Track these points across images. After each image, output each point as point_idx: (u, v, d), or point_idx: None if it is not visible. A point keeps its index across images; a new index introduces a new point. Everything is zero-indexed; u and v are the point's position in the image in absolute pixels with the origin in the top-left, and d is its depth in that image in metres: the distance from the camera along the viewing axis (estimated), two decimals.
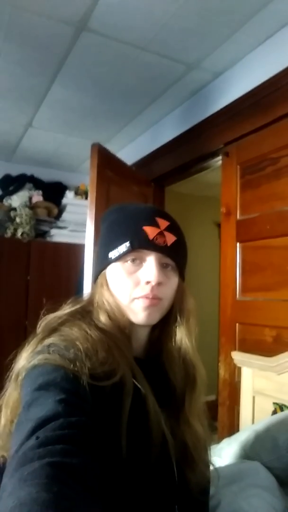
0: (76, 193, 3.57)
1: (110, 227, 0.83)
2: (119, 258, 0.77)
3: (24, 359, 0.70)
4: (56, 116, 2.72)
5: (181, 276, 0.83)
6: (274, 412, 1.63)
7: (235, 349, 1.97)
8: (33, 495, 0.47)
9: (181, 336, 0.82)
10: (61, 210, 3.49)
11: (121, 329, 0.77)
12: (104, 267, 0.81)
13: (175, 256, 0.79)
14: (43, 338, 0.72)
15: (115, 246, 0.78)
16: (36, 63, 2.11)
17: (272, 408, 1.66)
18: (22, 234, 3.19)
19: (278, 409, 1.62)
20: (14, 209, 3.27)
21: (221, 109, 2.15)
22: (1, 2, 1.67)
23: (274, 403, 1.66)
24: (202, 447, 0.77)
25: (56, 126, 2.89)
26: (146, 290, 0.76)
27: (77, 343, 0.68)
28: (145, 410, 0.70)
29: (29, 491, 0.47)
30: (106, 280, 0.81)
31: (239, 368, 1.90)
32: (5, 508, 0.47)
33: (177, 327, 0.82)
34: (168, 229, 0.78)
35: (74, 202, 3.46)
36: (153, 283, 0.75)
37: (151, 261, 0.77)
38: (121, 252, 0.77)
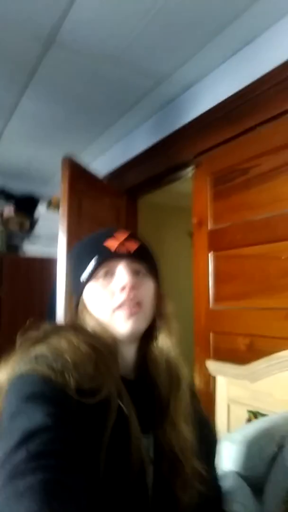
0: (49, 206, 3.54)
1: (76, 255, 0.86)
2: (90, 277, 0.80)
3: (8, 369, 0.69)
4: (27, 129, 2.71)
5: (156, 281, 0.85)
6: (249, 420, 1.64)
7: (209, 358, 1.98)
8: (35, 511, 0.47)
9: (162, 337, 0.83)
10: (33, 223, 3.45)
11: (107, 346, 0.77)
12: (81, 293, 0.83)
13: (142, 260, 0.82)
14: (28, 349, 0.71)
15: (84, 267, 0.81)
16: (4, 77, 2.10)
17: (246, 416, 1.66)
18: None
19: (252, 417, 1.62)
20: None
21: (191, 121, 2.18)
22: None
23: (248, 411, 1.67)
24: (190, 451, 0.76)
25: (27, 138, 2.87)
26: (123, 296, 0.77)
27: (66, 355, 0.68)
28: (127, 433, 0.69)
29: (29, 506, 0.47)
30: (85, 304, 0.83)
31: (214, 377, 1.91)
32: None
33: (159, 331, 0.83)
34: (127, 239, 0.82)
35: (46, 215, 3.43)
36: (127, 287, 0.77)
37: (120, 268, 0.79)
38: (90, 270, 0.80)
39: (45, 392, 0.63)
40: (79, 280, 0.82)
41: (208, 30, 1.77)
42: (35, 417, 0.59)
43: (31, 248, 3.33)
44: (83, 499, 0.54)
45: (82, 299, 0.83)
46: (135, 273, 0.81)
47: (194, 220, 2.16)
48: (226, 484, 1.09)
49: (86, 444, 0.62)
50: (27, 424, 0.58)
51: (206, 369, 1.94)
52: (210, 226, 2.07)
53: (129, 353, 0.83)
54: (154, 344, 0.83)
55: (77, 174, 2.23)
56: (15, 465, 0.53)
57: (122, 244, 0.81)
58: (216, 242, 2.02)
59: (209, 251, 2.05)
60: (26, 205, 3.54)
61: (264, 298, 1.75)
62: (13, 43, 1.83)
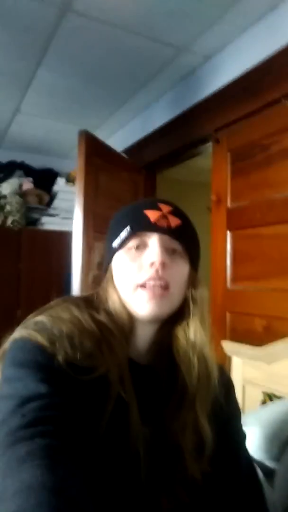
0: (67, 180, 3.51)
1: (113, 221, 0.80)
2: (122, 245, 0.74)
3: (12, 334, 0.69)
4: (44, 101, 2.66)
5: (193, 266, 0.77)
6: (263, 402, 1.62)
7: (225, 339, 1.96)
8: (39, 478, 0.46)
9: (195, 329, 0.75)
10: (52, 197, 3.44)
11: (120, 327, 0.72)
12: (110, 259, 0.77)
13: (181, 238, 0.74)
14: (33, 316, 0.70)
15: (117, 235, 0.75)
16: (20, 47, 2.04)
17: (261, 398, 1.65)
18: (12, 222, 3.15)
19: (267, 399, 1.61)
20: (4, 196, 3.21)
21: (212, 94, 2.10)
22: None
23: (263, 393, 1.65)
24: (203, 452, 0.72)
25: (44, 111, 2.82)
26: (150, 272, 0.70)
27: (63, 325, 0.66)
28: (127, 420, 0.66)
29: (34, 473, 0.47)
30: (112, 274, 0.76)
31: (229, 358, 1.89)
32: (6, 490, 0.46)
33: (190, 319, 0.75)
34: (171, 212, 0.74)
35: (65, 189, 3.41)
36: (157, 264, 0.69)
37: (153, 242, 0.72)
38: (123, 237, 0.73)
39: (37, 358, 0.62)
40: (111, 246, 0.76)
41: None
42: (28, 383, 0.59)
43: (50, 222, 3.33)
44: (84, 464, 0.53)
45: (110, 268, 0.77)
46: (170, 251, 0.73)
47: (213, 198, 2.10)
48: None
49: (83, 419, 0.61)
50: (20, 391, 0.58)
51: (221, 349, 1.93)
52: (229, 204, 2.01)
53: (146, 334, 0.76)
54: (182, 332, 0.76)
55: (94, 148, 2.19)
56: (12, 432, 0.52)
57: (163, 216, 0.73)
58: (235, 221, 1.97)
59: (228, 229, 2.00)
60: (45, 179, 3.51)
61: (282, 280, 1.71)
62: (28, 10, 1.76)
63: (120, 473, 0.65)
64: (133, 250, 0.73)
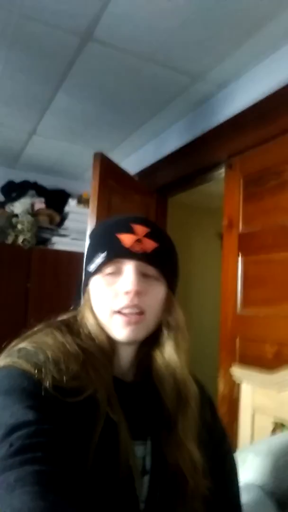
0: (79, 202, 3.55)
1: (90, 242, 0.80)
2: (98, 271, 0.74)
3: None
4: (60, 124, 2.72)
5: (170, 286, 0.77)
6: (273, 431, 1.59)
7: (235, 364, 1.93)
8: (28, 503, 0.46)
9: (169, 352, 0.77)
10: (63, 218, 3.47)
11: (101, 348, 0.73)
12: (87, 283, 0.77)
13: (157, 263, 0.73)
14: (16, 344, 0.70)
15: (92, 259, 0.75)
16: (41, 71, 2.11)
17: (271, 427, 1.62)
18: (23, 241, 3.17)
19: (277, 429, 1.58)
20: (16, 215, 3.25)
21: (226, 121, 2.14)
22: (8, 10, 1.66)
23: (273, 422, 1.62)
24: (199, 474, 0.72)
25: (60, 134, 2.89)
26: (125, 300, 0.71)
27: (48, 350, 0.66)
28: (116, 439, 0.66)
29: (23, 499, 0.47)
30: (89, 297, 0.77)
31: (239, 384, 1.86)
32: None
33: (165, 342, 0.77)
34: (147, 235, 0.73)
35: (77, 210, 3.44)
36: (131, 293, 0.70)
37: (129, 269, 0.72)
38: (98, 264, 0.73)
39: (24, 385, 0.62)
40: (88, 270, 0.76)
41: (245, 28, 1.72)
42: (15, 411, 0.58)
43: (60, 242, 3.35)
44: (74, 489, 0.53)
45: (88, 291, 0.77)
46: (144, 276, 0.73)
47: (225, 222, 2.11)
48: (247, 498, 1.06)
49: (72, 443, 0.61)
50: (7, 420, 0.57)
51: (231, 375, 1.90)
52: (240, 228, 2.02)
53: (127, 354, 0.78)
54: (158, 352, 0.78)
55: (108, 170, 2.23)
56: (0, 460, 0.52)
57: (138, 241, 0.72)
58: (247, 245, 1.97)
59: (239, 254, 2.01)
60: (56, 200, 3.55)
61: None
62: (51, 37, 1.83)
63: (114, 493, 0.64)
64: (108, 275, 0.73)
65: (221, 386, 1.97)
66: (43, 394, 0.61)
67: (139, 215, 0.82)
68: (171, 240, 0.79)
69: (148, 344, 0.78)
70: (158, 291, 0.75)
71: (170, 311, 0.78)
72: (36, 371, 0.63)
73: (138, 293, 0.71)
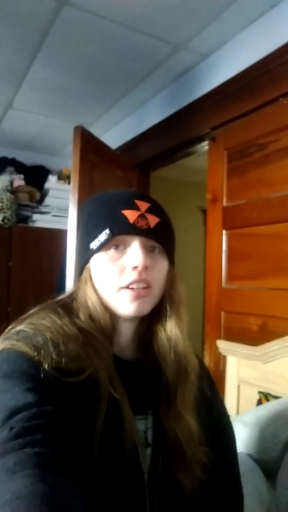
0: (59, 178, 3.48)
1: (88, 217, 0.77)
2: (101, 247, 0.72)
3: None
4: (38, 96, 2.62)
5: (170, 261, 0.78)
6: (259, 401, 1.62)
7: (220, 338, 1.95)
8: (28, 487, 0.46)
9: (171, 326, 0.77)
10: (43, 195, 3.40)
11: (102, 329, 0.72)
12: (87, 260, 0.76)
13: (160, 238, 0.74)
14: (14, 327, 0.70)
15: (95, 236, 0.73)
16: (15, 40, 2.00)
17: (257, 397, 1.65)
18: (3, 220, 3.10)
19: (263, 398, 1.61)
20: None
21: (208, 92, 2.09)
22: None
23: (259, 392, 1.65)
24: (195, 442, 0.74)
25: (37, 107, 2.79)
26: (133, 275, 0.71)
27: (46, 332, 0.66)
28: (120, 417, 0.66)
29: (23, 483, 0.46)
30: (90, 274, 0.76)
31: (224, 357, 1.89)
32: None
33: (167, 316, 0.78)
34: (149, 211, 0.73)
35: (57, 187, 3.37)
36: (140, 268, 0.70)
37: (135, 245, 0.72)
38: (102, 240, 0.72)
39: (23, 368, 0.61)
40: (88, 246, 0.74)
41: None
42: (15, 394, 0.58)
43: (41, 219, 3.29)
44: (75, 471, 0.53)
45: (88, 269, 0.76)
46: (150, 251, 0.74)
47: (208, 197, 2.09)
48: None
49: (75, 424, 0.61)
50: (8, 403, 0.57)
51: (216, 348, 1.92)
52: (224, 202, 2.00)
53: (128, 330, 0.78)
54: (161, 326, 0.78)
55: (89, 145, 2.16)
56: (0, 444, 0.52)
57: (142, 216, 0.72)
58: (231, 220, 1.96)
59: (223, 228, 2.00)
60: (36, 176, 3.47)
61: (278, 278, 1.71)
62: (23, 2, 1.73)
63: (119, 469, 0.65)
64: (112, 251, 0.73)
65: (207, 360, 2.00)
66: (43, 376, 0.61)
67: (137, 190, 0.82)
68: (169, 214, 0.79)
69: (148, 318, 0.78)
70: (162, 265, 0.76)
71: (172, 284, 0.78)
72: (35, 353, 0.63)
73: (146, 268, 0.71)
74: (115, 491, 0.64)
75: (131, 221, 0.71)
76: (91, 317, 0.73)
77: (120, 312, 0.73)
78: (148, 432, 0.73)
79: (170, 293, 0.78)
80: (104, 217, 0.73)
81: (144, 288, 0.72)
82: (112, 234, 0.71)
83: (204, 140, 2.18)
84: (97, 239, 0.72)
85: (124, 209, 0.72)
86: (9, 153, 3.48)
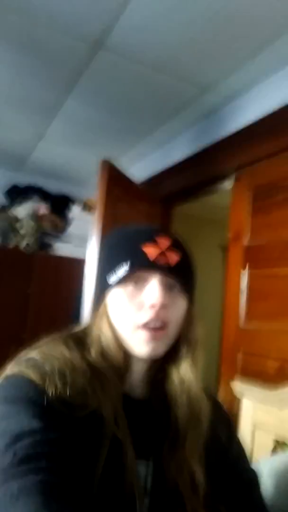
0: (83, 208, 3.54)
1: (108, 251, 0.77)
2: (120, 282, 0.71)
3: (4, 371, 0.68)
4: (68, 130, 2.71)
5: (190, 300, 0.76)
6: (274, 450, 1.55)
7: (236, 379, 1.90)
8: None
9: (186, 368, 0.75)
10: (66, 224, 3.46)
11: (114, 366, 0.71)
12: (104, 295, 0.75)
13: (180, 276, 0.73)
14: (25, 354, 0.70)
15: (114, 270, 0.72)
16: (51, 77, 2.10)
17: (272, 445, 1.58)
18: (25, 246, 3.16)
19: (278, 447, 1.54)
20: (19, 220, 3.24)
21: (234, 133, 2.13)
22: (19, 15, 1.66)
23: (274, 440, 1.58)
24: (198, 496, 0.70)
25: (67, 139, 2.88)
26: (150, 314, 0.69)
27: (54, 363, 0.66)
28: (121, 459, 0.65)
29: (26, 510, 0.46)
30: (107, 310, 0.74)
31: (239, 399, 1.83)
32: None
33: (182, 358, 0.76)
34: (170, 248, 0.72)
35: (80, 217, 3.43)
36: (157, 307, 0.69)
37: (154, 282, 0.71)
38: (121, 275, 0.71)
39: (30, 395, 0.61)
40: (106, 280, 0.73)
41: (256, 42, 1.72)
42: (21, 420, 0.58)
43: (63, 248, 3.33)
44: (78, 501, 0.53)
45: (105, 304, 0.75)
46: (168, 289, 0.72)
47: (230, 235, 2.10)
48: None
49: (77, 456, 0.60)
50: (12, 428, 0.57)
51: (231, 389, 1.87)
52: (246, 241, 2.00)
53: (141, 369, 0.76)
54: (174, 368, 0.76)
55: (115, 178, 2.21)
56: (4, 470, 0.52)
57: (162, 253, 0.71)
58: (252, 259, 1.95)
59: (244, 267, 1.99)
60: (60, 205, 3.54)
61: None
62: (62, 44, 1.82)
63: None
64: (131, 287, 0.72)
65: (221, 400, 1.94)
66: (48, 404, 0.61)
67: (159, 226, 0.81)
68: (191, 252, 0.78)
69: (162, 358, 0.75)
70: (181, 304, 0.74)
71: (190, 325, 0.77)
72: (42, 381, 0.63)
73: (163, 306, 0.70)
74: None
75: (152, 258, 0.70)
76: (103, 354, 0.72)
77: (135, 352, 0.72)
78: (148, 478, 0.70)
79: (187, 334, 0.76)
80: (124, 252, 0.73)
81: (160, 327, 0.70)
82: (131, 270, 0.71)
83: (228, 179, 2.20)
84: (115, 274, 0.72)
85: (145, 246, 0.71)
86: (36, 181, 3.58)
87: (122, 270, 0.71)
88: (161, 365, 0.77)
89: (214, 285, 3.68)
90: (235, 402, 1.87)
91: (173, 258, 0.72)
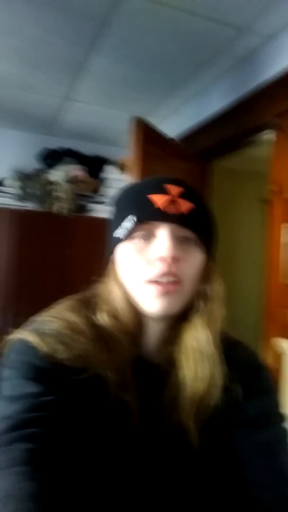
0: (117, 168, 3.48)
1: (116, 206, 0.73)
2: (127, 236, 0.67)
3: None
4: (95, 87, 2.61)
5: (208, 252, 0.70)
6: None
7: (279, 336, 1.87)
8: (16, 485, 0.47)
9: (200, 326, 0.69)
10: (102, 185, 3.43)
11: (124, 328, 0.68)
12: (113, 251, 0.70)
13: (195, 226, 0.66)
14: (32, 319, 0.71)
15: (119, 224, 0.68)
16: (73, 30, 1.99)
17: None
18: (60, 209, 3.16)
19: None
20: (54, 183, 3.23)
21: (274, 77, 1.98)
22: None
23: None
24: (189, 453, 0.70)
25: (95, 98, 2.79)
26: (160, 268, 0.64)
27: (57, 325, 0.65)
28: (127, 421, 0.64)
29: (12, 480, 0.47)
30: (115, 267, 0.71)
31: (282, 357, 1.81)
32: None
33: (197, 315, 0.70)
34: (182, 195, 0.66)
35: (114, 177, 3.38)
36: (167, 259, 0.63)
37: (163, 233, 0.65)
38: (127, 228, 0.66)
39: (28, 358, 0.62)
40: (113, 235, 0.69)
41: None
42: (17, 384, 0.59)
43: (99, 209, 3.32)
44: (67, 465, 0.53)
45: (114, 261, 0.71)
46: (182, 241, 0.66)
47: (272, 188, 2.00)
48: None
49: (75, 418, 0.61)
50: (9, 392, 0.59)
51: (274, 346, 1.85)
52: None
53: (157, 331, 0.72)
54: (187, 327, 0.70)
55: (148, 136, 2.13)
56: None
57: (172, 201, 0.65)
58: None
59: (287, 221, 1.90)
60: (94, 167, 3.49)
61: None
62: None
63: (115, 467, 0.64)
64: (138, 240, 0.67)
65: (264, 357, 1.92)
66: (47, 367, 0.61)
67: (170, 176, 0.73)
68: (207, 201, 0.72)
69: (182, 319, 0.71)
70: (196, 258, 0.68)
71: (208, 279, 0.71)
72: (41, 344, 0.62)
73: (174, 259, 0.64)
74: (111, 490, 0.63)
75: (160, 206, 0.65)
76: (112, 314, 0.68)
77: (145, 309, 0.67)
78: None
79: (204, 290, 0.70)
80: (130, 204, 0.68)
81: (173, 282, 0.65)
82: (138, 221, 0.65)
83: (269, 128, 2.07)
84: (121, 227, 0.67)
85: (151, 194, 0.66)
86: (68, 144, 3.53)
87: (128, 222, 0.66)
88: (179, 327, 0.72)
89: (256, 240, 3.59)
90: (278, 358, 1.85)
91: (185, 205, 0.66)
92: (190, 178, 2.49)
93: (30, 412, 0.55)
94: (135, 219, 0.66)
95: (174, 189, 0.66)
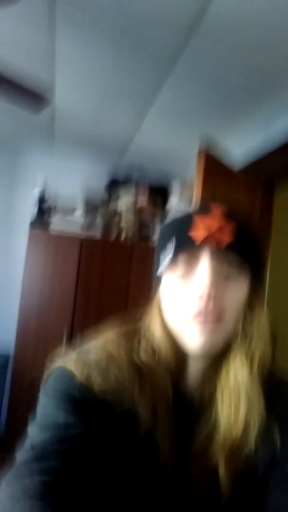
0: (181, 197, 3.53)
1: (157, 242, 0.71)
2: (167, 271, 0.65)
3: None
4: (166, 118, 2.71)
5: (254, 282, 0.65)
6: None
7: None
8: None
9: (237, 364, 0.65)
10: (165, 214, 3.49)
11: (162, 363, 0.66)
12: (158, 284, 0.68)
13: (238, 254, 0.62)
14: (80, 345, 0.70)
15: (160, 260, 0.66)
16: (145, 69, 2.12)
17: None
18: (125, 238, 3.26)
19: None
20: (119, 213, 3.34)
21: None
22: (111, 13, 1.69)
23: None
24: (220, 494, 0.63)
25: (164, 128, 2.89)
26: (199, 305, 0.61)
27: (99, 356, 0.65)
28: (156, 460, 0.61)
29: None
30: (159, 301, 0.68)
31: None
32: None
33: (238, 351, 0.65)
34: (222, 220, 0.62)
35: (179, 206, 3.43)
36: (205, 297, 0.60)
37: (202, 267, 0.62)
38: (165, 264, 0.64)
39: (65, 387, 0.61)
40: (156, 267, 0.68)
41: None
42: (50, 413, 0.58)
43: None
44: (84, 503, 0.52)
45: (158, 294, 0.68)
46: (222, 274, 0.62)
47: None
48: None
49: (105, 453, 0.59)
50: (39, 420, 0.58)
51: None
52: None
53: (196, 369, 0.69)
54: (225, 363, 0.66)
55: (212, 166, 2.17)
56: (19, 465, 0.53)
57: (212, 234, 0.61)
58: None
59: None
60: (159, 196, 3.57)
61: None
62: (155, 34, 1.82)
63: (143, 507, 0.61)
64: (181, 272, 0.64)
65: None
66: (82, 398, 0.60)
67: (211, 203, 0.68)
68: (251, 224, 0.67)
69: (223, 356, 0.67)
70: (239, 290, 0.64)
71: (251, 312, 0.65)
72: (80, 375, 0.62)
73: (215, 296, 0.60)
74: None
75: (198, 239, 0.61)
76: (153, 350, 0.66)
77: (187, 347, 0.64)
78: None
79: (244, 323, 0.65)
80: (169, 239, 0.65)
81: (212, 321, 0.61)
82: (176, 252, 0.63)
83: None
84: (161, 264, 0.66)
85: (190, 226, 0.63)
86: (134, 173, 3.65)
87: (166, 258, 0.64)
88: (219, 363, 0.68)
89: None
90: None
91: (225, 237, 0.61)
92: (252, 208, 2.48)
93: (57, 444, 0.54)
94: (171, 255, 0.64)
95: (215, 213, 0.64)
